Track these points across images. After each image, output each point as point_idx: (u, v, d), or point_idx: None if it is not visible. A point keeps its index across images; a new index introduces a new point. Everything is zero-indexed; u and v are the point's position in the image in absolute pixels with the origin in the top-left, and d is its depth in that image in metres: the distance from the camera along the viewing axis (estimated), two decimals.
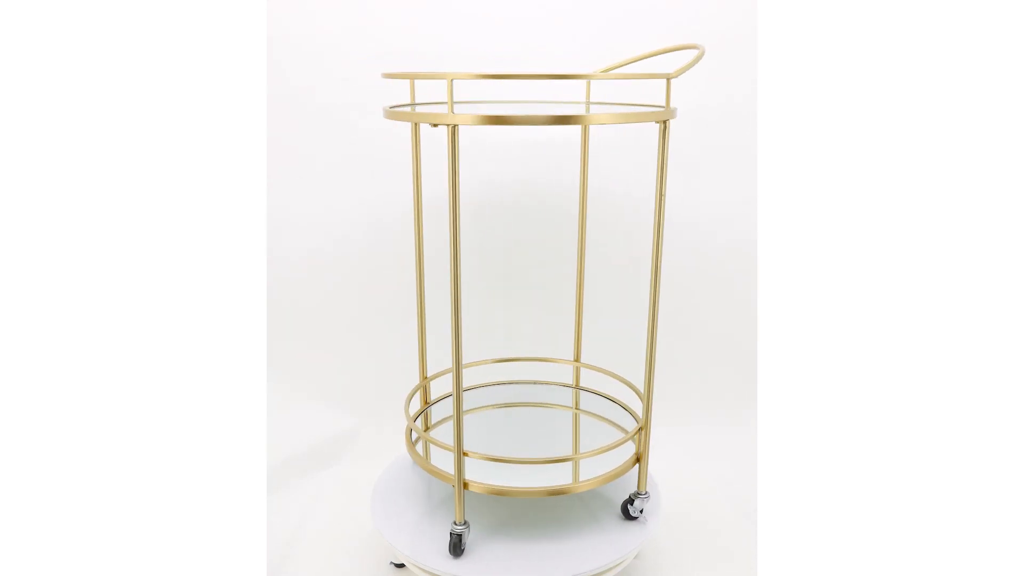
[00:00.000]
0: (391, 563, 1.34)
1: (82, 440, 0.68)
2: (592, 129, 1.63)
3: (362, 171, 1.67)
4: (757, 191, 1.69)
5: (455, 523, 1.12)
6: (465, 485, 1.12)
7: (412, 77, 0.98)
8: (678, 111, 1.63)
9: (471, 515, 1.23)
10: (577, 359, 1.52)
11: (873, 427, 0.69)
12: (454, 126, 0.92)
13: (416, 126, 1.21)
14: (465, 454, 1.12)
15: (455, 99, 1.58)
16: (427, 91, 1.60)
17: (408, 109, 1.09)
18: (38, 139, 0.66)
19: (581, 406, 1.43)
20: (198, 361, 0.71)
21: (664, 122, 1.03)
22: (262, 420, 0.76)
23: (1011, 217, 0.64)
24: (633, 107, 1.17)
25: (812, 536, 0.72)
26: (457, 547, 1.11)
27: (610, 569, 1.12)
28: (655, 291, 1.13)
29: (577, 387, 1.52)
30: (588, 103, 1.37)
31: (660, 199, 1.07)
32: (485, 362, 1.54)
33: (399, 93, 1.61)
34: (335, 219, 1.71)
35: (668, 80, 1.03)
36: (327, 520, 1.48)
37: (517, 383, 1.53)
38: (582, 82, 1.58)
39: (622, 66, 1.14)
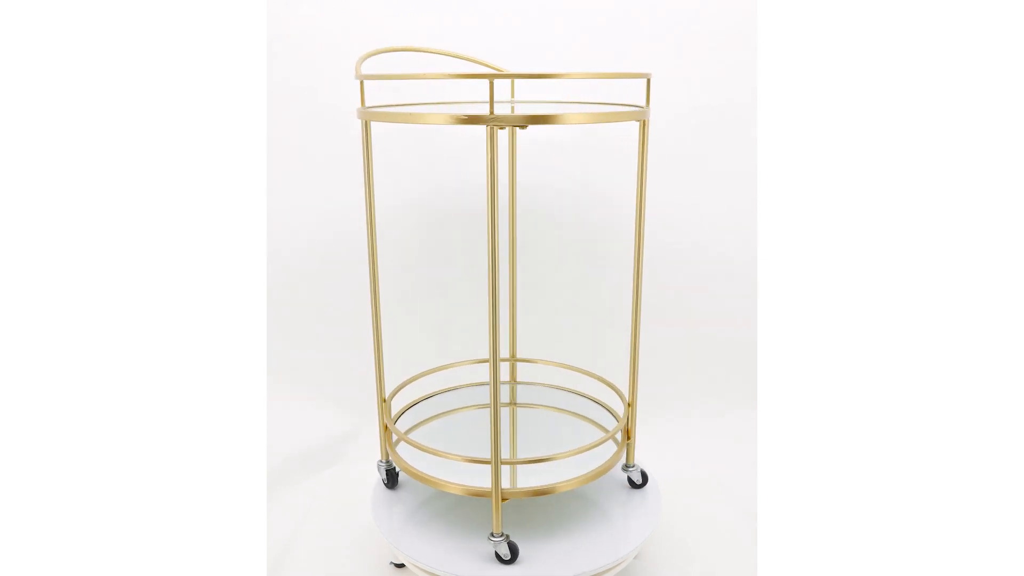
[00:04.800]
0: (391, 563, 1.34)
1: (82, 440, 0.68)
2: (580, 129, 1.63)
3: (361, 171, 1.67)
4: (757, 191, 1.69)
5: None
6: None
7: (365, 78, 1.00)
8: (678, 111, 1.64)
9: (470, 516, 1.23)
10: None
11: (873, 426, 0.69)
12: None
13: (367, 124, 1.16)
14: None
15: (441, 100, 1.58)
16: (423, 91, 1.60)
17: (401, 110, 1.09)
18: (39, 138, 0.66)
19: (552, 404, 1.44)
20: (198, 361, 0.71)
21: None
22: (262, 420, 0.76)
23: (1011, 217, 0.64)
24: (613, 107, 1.18)
25: (812, 536, 0.72)
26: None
27: (610, 569, 1.12)
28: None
29: (515, 382, 1.54)
30: (509, 101, 1.37)
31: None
32: (466, 363, 1.54)
33: (399, 93, 1.61)
34: (335, 218, 1.71)
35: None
36: (327, 520, 1.47)
37: (487, 384, 1.54)
38: (567, 82, 1.58)
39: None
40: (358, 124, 1.65)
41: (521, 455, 1.23)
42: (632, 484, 1.29)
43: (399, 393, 1.45)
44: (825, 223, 0.71)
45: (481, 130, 1.65)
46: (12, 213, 0.65)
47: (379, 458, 1.14)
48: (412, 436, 1.31)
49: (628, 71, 1.10)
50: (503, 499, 1.09)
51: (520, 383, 1.53)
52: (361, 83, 1.11)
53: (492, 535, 1.10)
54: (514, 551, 1.10)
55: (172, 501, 0.71)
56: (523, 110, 1.17)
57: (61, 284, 0.67)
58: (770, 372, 0.74)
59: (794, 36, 0.71)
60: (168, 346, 0.70)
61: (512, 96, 1.41)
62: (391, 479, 1.25)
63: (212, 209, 0.72)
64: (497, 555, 1.10)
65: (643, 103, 1.62)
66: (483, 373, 1.76)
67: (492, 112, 0.92)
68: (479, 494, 1.11)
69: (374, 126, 1.64)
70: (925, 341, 0.67)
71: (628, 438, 1.27)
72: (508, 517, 1.22)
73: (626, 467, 1.29)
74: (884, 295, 0.69)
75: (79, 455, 0.68)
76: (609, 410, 1.40)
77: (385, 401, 1.32)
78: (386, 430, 1.24)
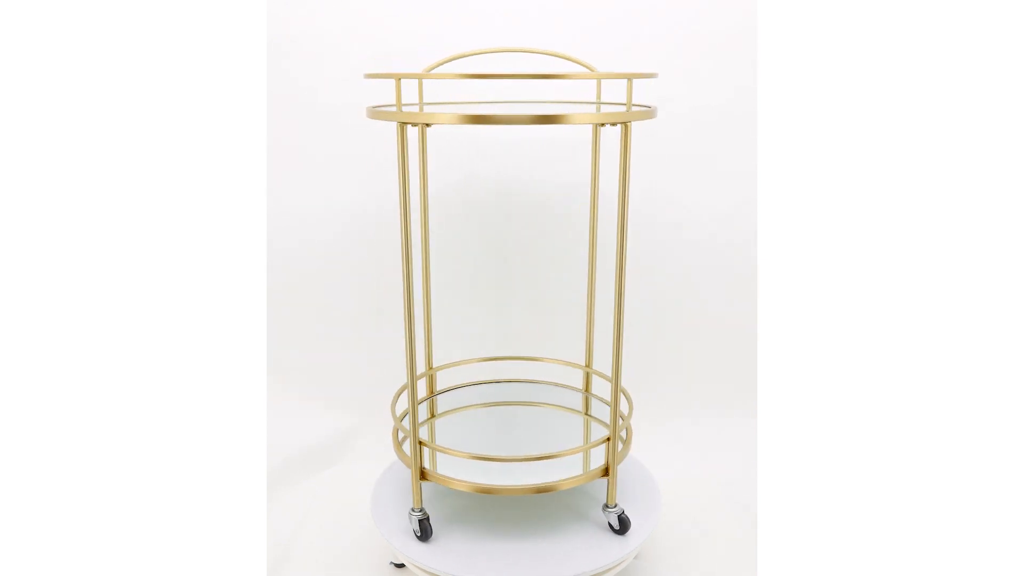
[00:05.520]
0: (391, 563, 1.34)
1: (83, 440, 0.68)
2: (585, 128, 1.63)
3: (361, 170, 1.67)
4: (757, 191, 1.69)
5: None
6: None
7: (394, 76, 1.01)
8: (675, 110, 1.64)
9: (470, 515, 1.23)
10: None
11: (874, 426, 0.69)
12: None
13: (401, 126, 1.20)
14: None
15: (450, 100, 1.58)
16: (425, 91, 1.60)
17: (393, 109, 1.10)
18: (40, 138, 0.66)
19: (572, 405, 1.43)
20: (198, 362, 0.71)
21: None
22: (262, 420, 0.76)
23: (1011, 215, 0.64)
24: (610, 106, 1.17)
25: (812, 536, 0.72)
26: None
27: (610, 569, 1.12)
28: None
29: (581, 388, 1.52)
30: (594, 102, 1.37)
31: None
32: (471, 361, 1.54)
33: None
34: (335, 218, 1.71)
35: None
36: (327, 520, 1.48)
37: (504, 382, 1.54)
38: (579, 81, 1.58)
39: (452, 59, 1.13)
40: (356, 123, 1.65)
41: (523, 453, 1.23)
42: (611, 528, 1.17)
43: (399, 394, 1.45)
44: (826, 224, 0.71)
45: (490, 129, 1.64)
46: (13, 213, 0.65)
47: (412, 505, 1.15)
48: (426, 428, 1.32)
49: (621, 72, 1.10)
50: (423, 478, 1.15)
51: (524, 382, 1.53)
52: (398, 83, 1.11)
53: (412, 510, 1.16)
54: (425, 531, 1.14)
55: (172, 501, 0.71)
56: (522, 110, 1.17)
57: (61, 284, 0.67)
58: (770, 373, 0.74)
59: (794, 35, 0.71)
60: (168, 346, 0.70)
61: (603, 96, 1.40)
62: (426, 531, 1.15)
63: (212, 208, 0.72)
64: (420, 523, 1.15)
65: (648, 103, 1.62)
66: (486, 372, 1.77)
67: (400, 110, 0.96)
68: (486, 491, 1.12)
69: (380, 124, 1.64)
70: (924, 340, 0.67)
71: (607, 474, 1.16)
72: (509, 515, 1.22)
73: (606, 508, 1.17)
74: (884, 295, 0.69)
75: (80, 455, 0.68)
76: (605, 402, 1.39)
77: (431, 368, 1.35)
78: (420, 448, 1.22)
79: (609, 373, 1.75)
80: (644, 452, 1.67)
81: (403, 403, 1.70)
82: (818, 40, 0.70)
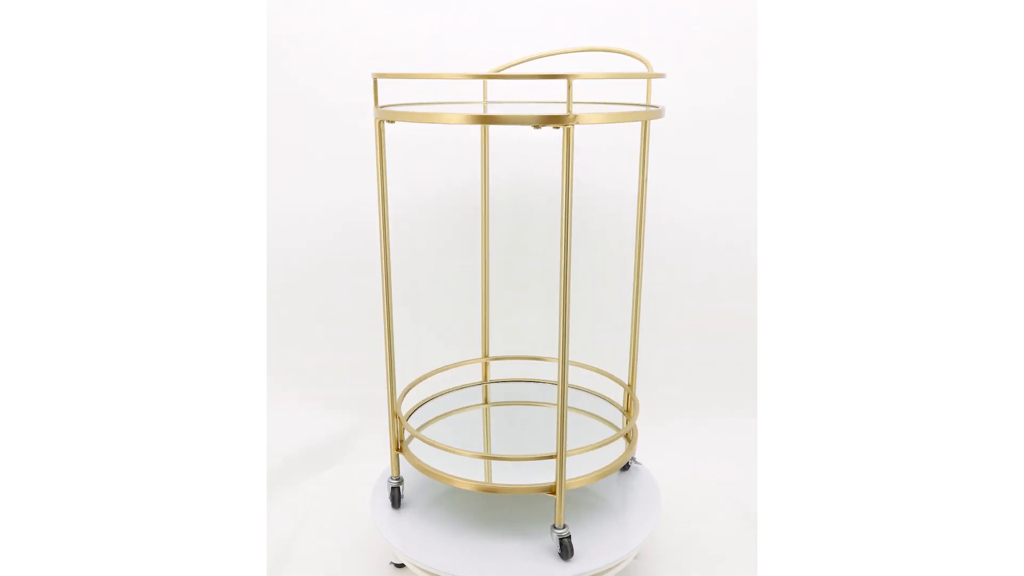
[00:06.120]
0: (391, 563, 1.34)
1: (83, 441, 0.68)
2: (586, 128, 1.63)
3: (360, 170, 1.67)
4: (757, 191, 1.69)
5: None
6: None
7: (378, 76, 1.02)
8: (679, 110, 1.64)
9: (474, 514, 1.23)
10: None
11: (873, 426, 0.69)
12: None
13: (380, 124, 1.11)
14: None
15: (439, 100, 1.58)
16: (421, 91, 1.60)
17: (417, 108, 1.09)
18: (40, 137, 0.66)
19: (586, 407, 1.43)
20: (198, 362, 0.71)
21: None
22: (262, 420, 0.76)
23: (1011, 214, 0.64)
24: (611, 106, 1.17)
25: (812, 536, 0.72)
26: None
27: (610, 569, 1.12)
28: (637, 294, 1.11)
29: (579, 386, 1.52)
30: (572, 102, 1.37)
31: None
32: (470, 362, 1.54)
33: (401, 93, 1.61)
34: (335, 218, 1.71)
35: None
36: (327, 520, 1.48)
37: (511, 381, 1.54)
38: (585, 81, 1.58)
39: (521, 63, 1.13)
40: (356, 123, 1.65)
41: (528, 452, 1.23)
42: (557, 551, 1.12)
43: (409, 388, 1.45)
44: (826, 224, 0.71)
45: (484, 129, 1.65)
46: (13, 213, 0.65)
47: (390, 473, 1.20)
48: (432, 427, 1.34)
49: (563, 72, 1.10)
50: (399, 450, 1.23)
51: (528, 381, 1.54)
52: (485, 84, 1.08)
53: (392, 477, 1.25)
54: (394, 498, 1.23)
55: (173, 501, 0.71)
56: (518, 110, 1.17)
57: (61, 284, 0.67)
58: (770, 373, 0.74)
59: (794, 35, 0.71)
60: (168, 346, 0.70)
61: (571, 96, 1.39)
62: (396, 498, 1.24)
63: (212, 208, 0.72)
64: (393, 490, 1.24)
65: (654, 103, 1.62)
66: (493, 371, 1.76)
67: (377, 107, 0.99)
68: (489, 490, 1.12)
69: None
70: (924, 340, 0.67)
71: (554, 492, 1.10)
72: (510, 514, 1.22)
73: (553, 528, 1.11)
74: (884, 295, 0.69)
75: (80, 455, 0.68)
76: (619, 408, 1.39)
77: (488, 356, 1.40)
78: (397, 421, 1.24)
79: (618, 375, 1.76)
80: (645, 452, 1.67)
81: (410, 400, 1.71)
82: (818, 40, 0.70)
